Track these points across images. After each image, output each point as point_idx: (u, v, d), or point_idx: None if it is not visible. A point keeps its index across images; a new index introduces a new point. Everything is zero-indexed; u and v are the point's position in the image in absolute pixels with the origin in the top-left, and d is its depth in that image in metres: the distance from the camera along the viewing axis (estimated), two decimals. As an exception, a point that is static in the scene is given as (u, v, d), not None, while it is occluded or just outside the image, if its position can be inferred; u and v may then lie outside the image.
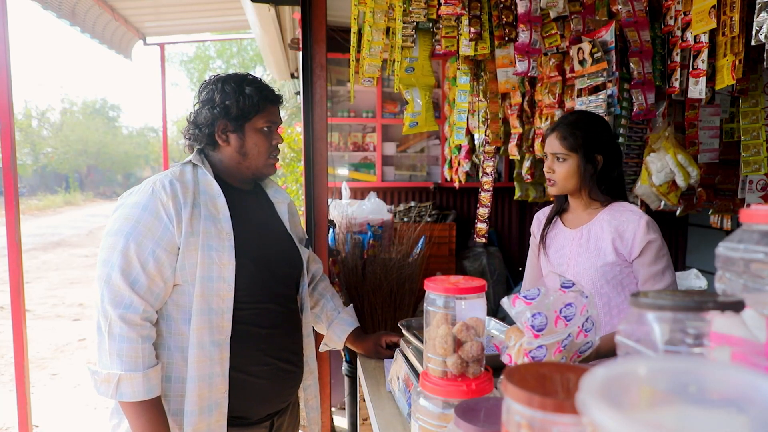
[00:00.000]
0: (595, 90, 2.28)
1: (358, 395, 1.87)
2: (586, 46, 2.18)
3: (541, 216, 1.83)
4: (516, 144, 3.03)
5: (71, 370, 4.34)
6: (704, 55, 1.89)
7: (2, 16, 2.35)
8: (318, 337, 1.70)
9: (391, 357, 1.63)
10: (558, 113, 2.60)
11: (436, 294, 0.97)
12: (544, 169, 1.67)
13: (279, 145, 1.48)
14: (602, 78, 2.14)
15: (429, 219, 4.09)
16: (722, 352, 0.55)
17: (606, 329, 1.53)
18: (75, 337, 5.19)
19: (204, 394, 1.29)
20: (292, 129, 5.75)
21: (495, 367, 0.99)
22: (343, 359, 2.76)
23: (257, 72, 17.20)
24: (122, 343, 1.22)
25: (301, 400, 1.64)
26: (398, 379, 1.44)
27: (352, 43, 2.35)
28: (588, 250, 1.59)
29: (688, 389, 0.41)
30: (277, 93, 1.46)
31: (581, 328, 0.95)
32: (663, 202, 2.47)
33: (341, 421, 3.05)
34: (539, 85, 2.75)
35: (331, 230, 2.89)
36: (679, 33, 2.01)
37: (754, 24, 1.48)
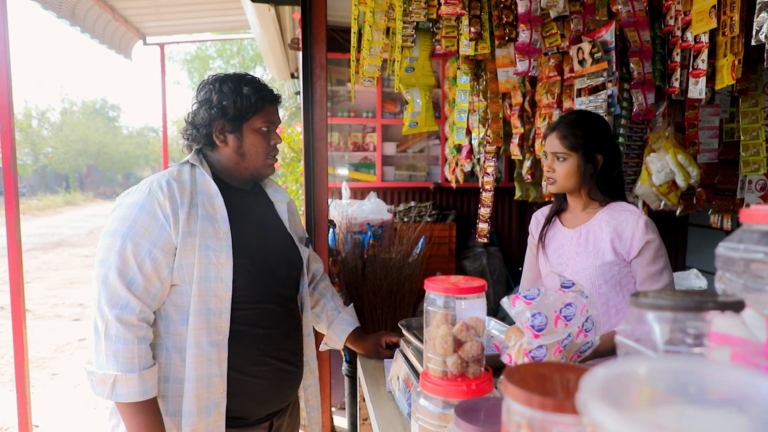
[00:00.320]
0: (594, 90, 2.28)
1: (358, 395, 1.87)
2: (585, 46, 2.18)
3: (539, 216, 1.83)
4: (518, 144, 3.03)
5: (71, 370, 4.34)
6: (704, 55, 1.89)
7: (2, 16, 2.35)
8: (318, 337, 1.70)
9: (391, 357, 1.63)
10: (556, 113, 2.60)
11: (436, 294, 0.97)
12: (544, 168, 1.67)
13: (278, 145, 1.48)
14: (602, 78, 2.14)
15: (429, 219, 4.09)
16: (722, 352, 0.55)
17: (604, 329, 1.53)
18: (75, 337, 5.19)
19: (202, 395, 1.29)
20: (292, 129, 5.74)
21: (495, 367, 0.99)
22: (343, 359, 2.76)
23: (257, 72, 17.22)
24: (118, 343, 1.22)
25: (301, 399, 1.64)
26: (398, 379, 1.44)
27: (352, 43, 2.35)
28: (586, 250, 1.60)
29: (688, 389, 0.41)
30: (275, 93, 1.46)
31: (581, 328, 0.95)
32: (663, 202, 2.47)
33: (341, 421, 3.05)
34: (539, 85, 2.75)
35: (331, 230, 2.89)
36: (679, 33, 2.01)
37: (754, 24, 1.48)
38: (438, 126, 3.51)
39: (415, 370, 1.34)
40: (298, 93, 6.46)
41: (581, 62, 2.23)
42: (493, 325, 1.70)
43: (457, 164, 3.91)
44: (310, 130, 2.39)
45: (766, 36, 1.44)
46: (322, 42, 2.36)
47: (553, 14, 2.30)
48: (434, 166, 4.69)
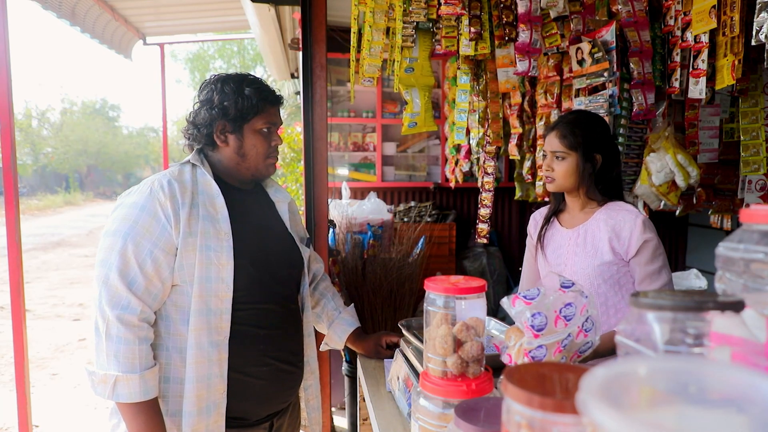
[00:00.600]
0: (594, 90, 2.28)
1: (358, 395, 1.87)
2: (585, 46, 2.18)
3: (537, 216, 1.84)
4: (516, 144, 3.03)
5: (71, 370, 4.34)
6: (704, 55, 1.89)
7: (2, 16, 2.35)
8: (318, 337, 1.70)
9: (392, 357, 1.63)
10: (555, 113, 2.60)
11: (436, 294, 0.97)
12: (543, 167, 1.67)
13: (278, 146, 1.48)
14: (603, 78, 2.14)
15: (429, 219, 4.09)
16: (722, 352, 0.55)
17: (603, 329, 1.53)
18: (75, 337, 5.19)
19: (202, 395, 1.29)
20: (292, 129, 5.74)
21: (495, 367, 0.99)
22: (343, 359, 2.77)
23: (257, 72, 17.21)
24: (119, 344, 1.21)
25: (302, 400, 1.64)
26: (398, 379, 1.44)
27: (352, 43, 2.35)
28: (585, 250, 1.60)
29: (688, 389, 0.41)
30: (277, 94, 1.46)
31: (581, 327, 0.95)
32: (663, 202, 2.47)
33: (341, 421, 3.05)
34: (538, 85, 2.76)
35: (331, 230, 2.89)
36: (679, 33, 2.01)
37: (754, 24, 1.48)
38: (437, 126, 3.51)
39: (415, 370, 1.34)
40: (298, 93, 6.46)
41: (580, 62, 2.23)
42: (493, 325, 1.70)
43: (457, 164, 3.91)
44: (310, 130, 2.39)
45: (766, 36, 1.44)
46: (322, 42, 2.36)
47: (553, 14, 2.30)
48: (434, 166, 4.69)
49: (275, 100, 1.45)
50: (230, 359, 1.33)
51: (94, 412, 3.60)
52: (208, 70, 18.71)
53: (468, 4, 2.35)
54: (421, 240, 3.04)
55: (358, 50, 2.37)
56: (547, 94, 2.65)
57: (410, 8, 2.32)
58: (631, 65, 2.14)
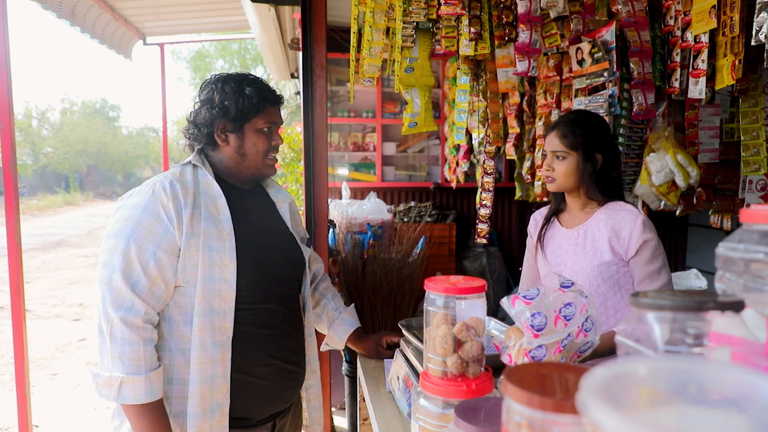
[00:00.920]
0: (594, 90, 2.28)
1: (358, 395, 1.87)
2: (585, 46, 2.18)
3: (537, 216, 1.84)
4: (513, 144, 3.03)
5: (71, 370, 4.34)
6: (704, 55, 1.89)
7: (2, 16, 2.35)
8: (319, 337, 1.70)
9: (392, 357, 1.63)
10: (555, 113, 2.60)
11: (436, 294, 0.97)
12: (543, 167, 1.67)
13: (279, 146, 1.48)
14: (603, 78, 2.14)
15: (429, 219, 4.09)
16: (722, 352, 0.55)
17: (603, 329, 1.53)
18: (75, 337, 5.19)
19: (206, 396, 1.29)
20: (292, 129, 5.75)
21: (495, 367, 0.99)
22: (343, 359, 2.77)
23: (258, 72, 17.21)
24: (124, 345, 1.21)
25: (303, 400, 1.64)
26: (398, 379, 1.44)
27: (352, 43, 2.35)
28: (585, 250, 1.60)
29: (688, 389, 0.41)
30: (277, 94, 1.46)
31: (581, 327, 0.95)
32: (663, 202, 2.47)
33: (341, 421, 3.05)
34: (537, 85, 2.76)
35: (331, 230, 2.89)
36: (679, 33, 2.01)
37: (754, 24, 1.48)
38: (437, 126, 3.51)
39: (415, 370, 1.34)
40: (298, 93, 6.46)
41: (580, 62, 2.23)
42: (493, 325, 1.70)
43: (457, 164, 3.91)
44: (310, 130, 2.39)
45: (766, 36, 1.44)
46: (322, 42, 2.36)
47: (552, 14, 2.30)
48: (434, 166, 4.69)
49: (276, 100, 1.45)
50: (233, 359, 1.33)
51: (94, 412, 3.60)
52: (209, 69, 18.71)
53: (468, 5, 2.35)
54: (421, 240, 3.04)
55: (358, 50, 2.37)
56: (547, 94, 2.65)
57: (410, 8, 2.32)
58: (631, 65, 2.14)
